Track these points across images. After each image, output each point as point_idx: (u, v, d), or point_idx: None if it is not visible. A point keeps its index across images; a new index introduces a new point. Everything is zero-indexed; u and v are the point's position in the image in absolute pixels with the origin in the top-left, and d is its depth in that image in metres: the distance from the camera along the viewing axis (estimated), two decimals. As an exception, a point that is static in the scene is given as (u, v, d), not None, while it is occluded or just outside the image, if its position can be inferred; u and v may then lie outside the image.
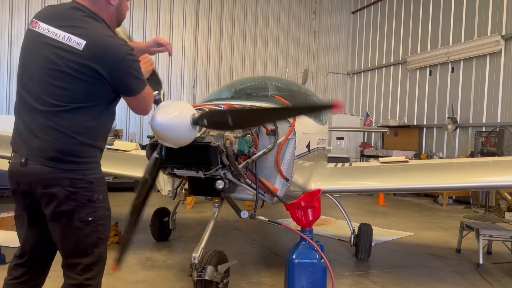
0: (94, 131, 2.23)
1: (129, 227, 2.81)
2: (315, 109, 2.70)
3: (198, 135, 3.14)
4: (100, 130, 2.28)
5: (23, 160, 2.16)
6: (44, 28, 2.18)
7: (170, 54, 2.78)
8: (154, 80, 2.68)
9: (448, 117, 10.75)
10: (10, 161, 2.26)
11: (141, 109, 2.36)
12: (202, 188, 3.72)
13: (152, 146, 3.37)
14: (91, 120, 2.20)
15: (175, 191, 4.31)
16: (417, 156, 11.45)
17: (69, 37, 2.11)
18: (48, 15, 2.26)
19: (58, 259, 2.44)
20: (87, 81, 2.12)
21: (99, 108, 2.22)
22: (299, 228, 3.81)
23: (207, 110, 3.57)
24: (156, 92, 2.64)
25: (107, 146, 2.83)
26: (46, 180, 2.14)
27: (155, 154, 3.12)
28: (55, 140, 2.13)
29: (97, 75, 2.11)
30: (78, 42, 2.10)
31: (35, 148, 2.15)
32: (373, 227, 5.45)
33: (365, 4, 14.75)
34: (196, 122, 2.79)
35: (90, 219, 2.20)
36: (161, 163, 3.18)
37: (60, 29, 2.15)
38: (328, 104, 2.50)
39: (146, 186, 2.91)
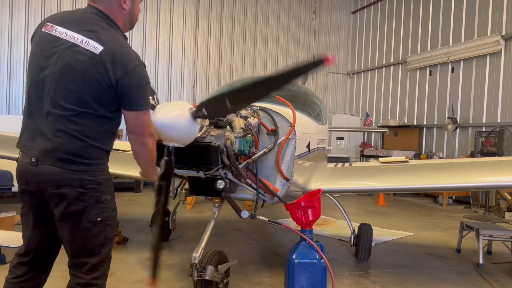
0: (103, 135, 2.27)
1: (156, 236, 2.92)
2: (308, 67, 2.54)
3: (199, 135, 3.15)
4: (109, 134, 2.32)
5: (33, 160, 2.18)
6: (62, 32, 2.21)
7: None
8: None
9: (448, 117, 10.76)
10: (19, 161, 2.28)
11: (134, 129, 2.29)
12: (203, 188, 3.72)
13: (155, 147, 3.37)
14: (100, 125, 2.24)
15: (175, 191, 4.31)
16: (417, 156, 11.46)
17: (87, 41, 2.15)
18: (65, 20, 2.28)
19: (59, 259, 2.45)
20: (97, 85, 2.15)
21: (107, 114, 2.24)
22: (299, 228, 3.81)
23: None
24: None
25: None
26: (56, 180, 2.16)
27: (164, 158, 3.05)
28: (65, 142, 2.16)
29: (108, 80, 2.14)
30: (95, 46, 2.14)
31: (45, 150, 2.17)
32: (373, 227, 5.45)
33: (365, 4, 14.74)
34: (195, 115, 2.84)
35: (98, 219, 2.23)
36: (171, 164, 3.09)
37: (78, 33, 2.18)
38: (319, 59, 2.35)
39: (163, 192, 2.94)
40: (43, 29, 2.27)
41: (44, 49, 2.25)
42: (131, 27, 2.47)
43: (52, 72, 2.19)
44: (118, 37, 2.27)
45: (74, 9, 2.30)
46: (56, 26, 2.23)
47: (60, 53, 2.18)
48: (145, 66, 2.26)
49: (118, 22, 2.33)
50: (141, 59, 2.28)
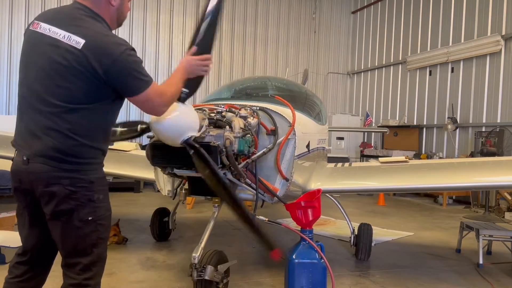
0: (94, 133, 2.24)
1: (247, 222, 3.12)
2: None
3: (198, 135, 3.14)
4: (101, 131, 2.29)
5: (25, 159, 2.17)
6: (46, 28, 2.20)
7: None
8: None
9: (448, 117, 10.75)
10: (13, 159, 2.28)
11: (148, 110, 2.35)
12: (202, 188, 3.71)
13: (152, 146, 3.38)
14: (91, 121, 2.21)
15: (175, 191, 4.31)
16: (417, 156, 11.45)
17: (69, 36, 2.13)
18: (50, 16, 2.28)
19: (58, 259, 2.44)
20: (86, 80, 2.13)
21: (100, 109, 2.23)
22: (299, 228, 3.81)
23: (206, 110, 3.57)
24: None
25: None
26: (47, 178, 2.14)
27: (191, 153, 3.01)
28: (55, 140, 2.14)
29: (95, 73, 2.12)
30: (77, 41, 2.11)
31: (36, 148, 2.16)
32: (373, 227, 5.44)
33: (365, 4, 14.74)
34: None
35: (90, 218, 2.21)
36: (203, 155, 3.03)
37: (60, 28, 2.17)
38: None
39: (220, 187, 3.06)
40: (31, 27, 2.27)
41: (30, 47, 2.26)
42: (119, 24, 2.43)
43: (39, 69, 2.18)
44: (102, 28, 2.23)
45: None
46: (41, 23, 2.22)
47: (44, 50, 2.17)
48: (134, 50, 2.21)
49: (106, 18, 2.30)
50: (141, 58, 2.26)
